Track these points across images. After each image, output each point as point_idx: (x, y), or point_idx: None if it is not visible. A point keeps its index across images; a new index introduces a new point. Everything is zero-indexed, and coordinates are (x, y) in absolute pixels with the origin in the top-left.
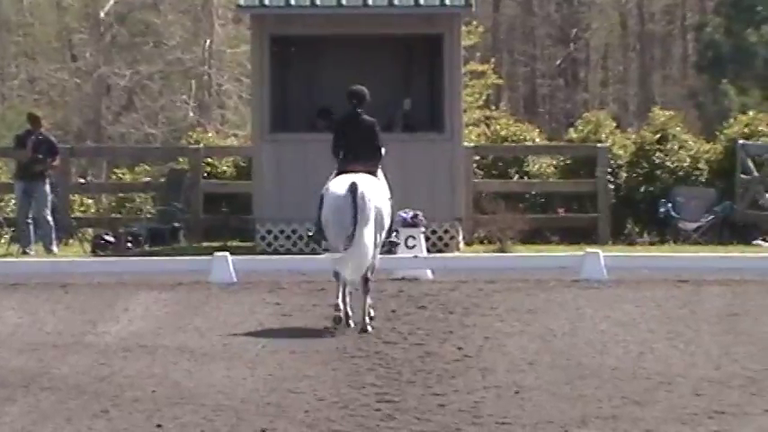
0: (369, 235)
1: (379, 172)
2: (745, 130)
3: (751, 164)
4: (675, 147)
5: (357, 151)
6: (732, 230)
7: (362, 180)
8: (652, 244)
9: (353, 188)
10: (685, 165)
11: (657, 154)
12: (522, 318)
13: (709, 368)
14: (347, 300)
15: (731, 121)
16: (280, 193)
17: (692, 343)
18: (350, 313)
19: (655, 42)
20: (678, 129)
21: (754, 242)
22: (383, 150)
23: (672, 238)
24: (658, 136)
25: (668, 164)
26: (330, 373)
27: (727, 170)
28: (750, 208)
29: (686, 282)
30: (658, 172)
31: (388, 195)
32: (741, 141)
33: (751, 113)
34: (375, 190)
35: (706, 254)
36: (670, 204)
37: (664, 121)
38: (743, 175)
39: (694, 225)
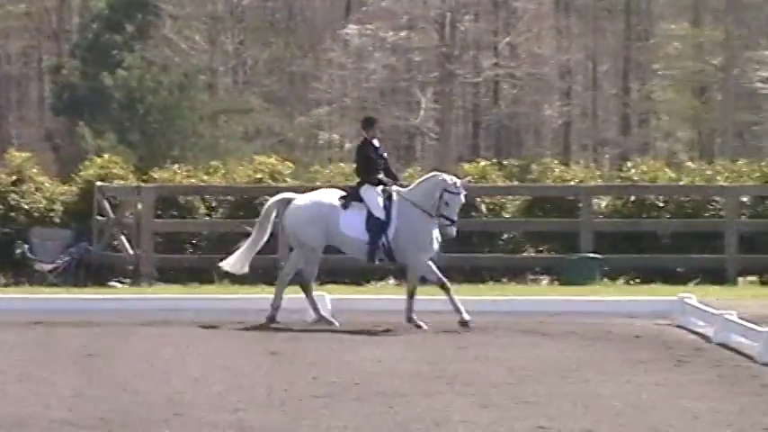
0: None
1: (365, 189)
2: (101, 171)
3: (107, 205)
4: (32, 188)
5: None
6: (88, 271)
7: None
8: (7, 285)
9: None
10: (41, 206)
11: (13, 195)
12: None
13: (63, 410)
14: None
15: (87, 163)
16: None
17: (45, 384)
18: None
19: (11, 84)
20: (35, 170)
21: (110, 283)
22: (366, 168)
23: (28, 279)
24: (14, 178)
25: (24, 205)
26: None
27: (84, 211)
28: (107, 249)
29: (40, 323)
30: (14, 213)
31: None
32: (99, 183)
33: (106, 156)
34: (293, 212)
35: (61, 295)
36: (27, 245)
37: (20, 162)
38: (99, 217)
39: (50, 266)
